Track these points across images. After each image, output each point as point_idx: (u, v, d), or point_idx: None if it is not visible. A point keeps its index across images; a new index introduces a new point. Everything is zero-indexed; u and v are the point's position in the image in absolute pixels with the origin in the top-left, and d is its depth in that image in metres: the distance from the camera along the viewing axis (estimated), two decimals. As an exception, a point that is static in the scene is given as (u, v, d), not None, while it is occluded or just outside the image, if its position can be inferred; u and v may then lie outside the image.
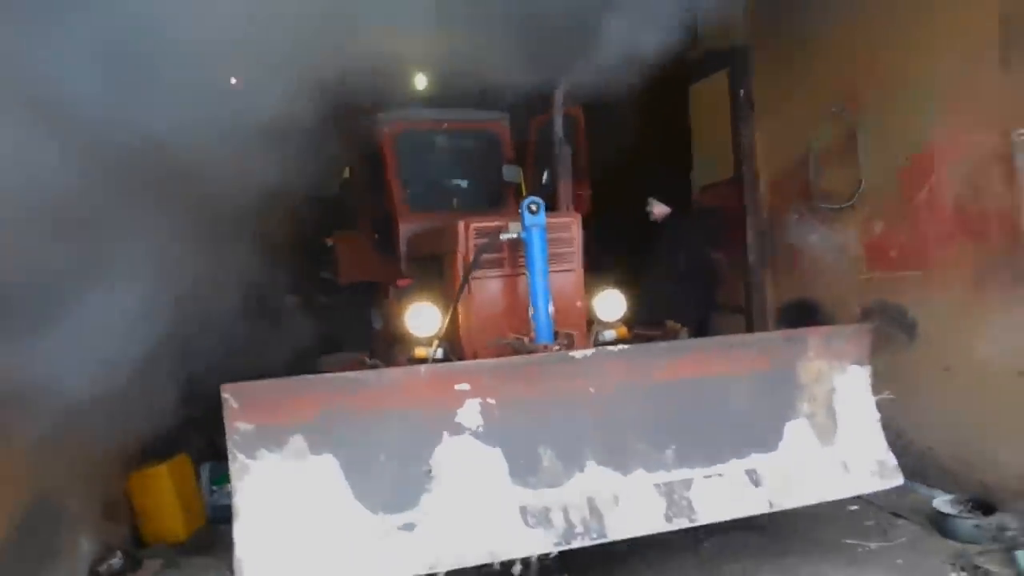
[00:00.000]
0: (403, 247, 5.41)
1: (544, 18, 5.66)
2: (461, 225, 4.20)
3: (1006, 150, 4.01)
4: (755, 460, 3.57)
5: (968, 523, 4.13)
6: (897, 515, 4.57)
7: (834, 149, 5.22)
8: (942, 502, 4.35)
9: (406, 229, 5.38)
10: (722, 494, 3.45)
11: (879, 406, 4.51)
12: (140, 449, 4.66)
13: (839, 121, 5.13)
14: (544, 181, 5.43)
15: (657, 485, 3.40)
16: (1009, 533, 3.99)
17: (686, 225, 6.39)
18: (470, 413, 3.24)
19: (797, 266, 5.73)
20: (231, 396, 2.98)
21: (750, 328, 6.11)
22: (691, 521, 3.37)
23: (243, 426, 3.00)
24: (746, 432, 3.59)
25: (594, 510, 3.29)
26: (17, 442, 3.14)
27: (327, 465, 3.07)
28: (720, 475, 3.50)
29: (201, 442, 5.22)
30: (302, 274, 6.56)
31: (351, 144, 5.96)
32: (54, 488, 3.57)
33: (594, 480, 3.34)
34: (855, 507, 4.78)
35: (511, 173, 5.57)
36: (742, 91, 6.00)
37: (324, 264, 6.40)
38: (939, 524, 4.26)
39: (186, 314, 4.70)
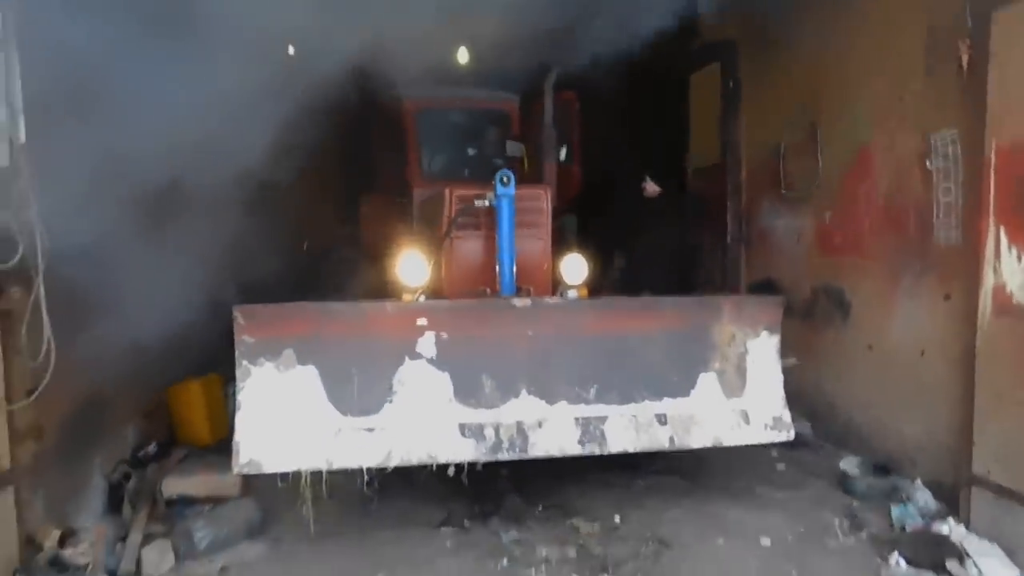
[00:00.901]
0: (415, 211, 6.19)
1: (555, 7, 6.34)
2: (447, 192, 4.96)
3: (925, 151, 4.53)
4: (666, 404, 4.25)
5: (863, 482, 4.75)
6: (813, 474, 5.20)
7: (799, 144, 5.75)
8: (848, 463, 4.95)
9: (419, 194, 6.15)
10: (631, 430, 4.16)
11: (805, 375, 5.14)
12: (182, 367, 5.62)
13: (804, 119, 5.66)
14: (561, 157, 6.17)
15: (577, 417, 4.12)
16: (898, 493, 4.61)
17: (674, 206, 7.00)
18: (427, 343, 4.02)
19: (766, 248, 6.31)
20: (240, 315, 3.83)
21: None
22: (600, 449, 4.10)
23: (248, 338, 3.86)
24: (661, 381, 4.26)
25: (520, 431, 4.05)
26: (80, 347, 4.03)
27: (310, 374, 3.90)
28: (633, 415, 4.19)
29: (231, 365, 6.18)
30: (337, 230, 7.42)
31: (380, 118, 6.77)
32: (106, 388, 4.49)
33: (524, 407, 4.09)
34: (782, 465, 5.43)
35: (514, 148, 6.29)
36: (731, 83, 6.54)
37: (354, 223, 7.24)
38: (842, 483, 4.88)
39: (235, 260, 5.69)
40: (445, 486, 4.57)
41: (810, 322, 5.72)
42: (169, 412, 5.42)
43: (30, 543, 3.21)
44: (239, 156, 5.51)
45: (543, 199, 5.05)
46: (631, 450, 4.16)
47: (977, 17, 3.97)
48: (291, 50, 7.21)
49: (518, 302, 4.19)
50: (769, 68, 6.15)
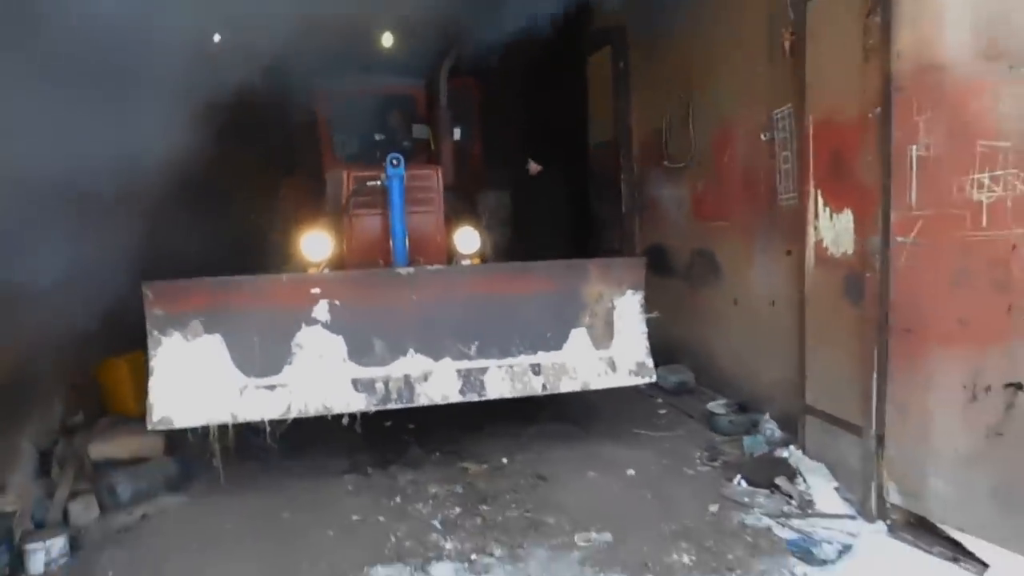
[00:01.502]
0: (328, 192, 6.63)
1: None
2: (344, 174, 5.43)
3: (769, 125, 5.10)
4: (540, 357, 4.78)
5: (725, 419, 5.36)
6: (689, 416, 5.81)
7: (678, 120, 6.30)
8: (715, 405, 5.57)
9: (331, 177, 6.59)
10: (508, 380, 4.69)
11: (689, 330, 5.69)
12: (111, 344, 6.01)
13: (680, 98, 6.21)
14: (457, 138, 6.63)
15: (459, 370, 4.64)
16: (754, 427, 5.23)
17: (578, 180, 7.55)
18: (321, 310, 4.50)
19: (656, 216, 6.88)
20: (149, 291, 4.28)
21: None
22: (479, 396, 4.63)
23: (157, 311, 4.30)
24: (536, 336, 4.80)
25: (408, 384, 4.56)
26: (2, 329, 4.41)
27: (215, 341, 4.35)
28: (511, 366, 4.74)
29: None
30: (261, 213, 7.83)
31: (295, 106, 7.16)
32: (32, 365, 4.88)
33: (412, 363, 4.60)
34: (664, 411, 6.04)
35: (420, 131, 6.75)
36: (620, 64, 7.06)
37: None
38: (709, 422, 5.49)
39: (163, 244, 6.09)
40: (352, 441, 5.10)
41: (690, 282, 6.32)
42: (98, 386, 5.82)
43: (-40, 496, 3.65)
44: (163, 144, 5.95)
45: (433, 178, 5.53)
46: (507, 395, 4.69)
47: (797, 6, 4.52)
48: (216, 38, 7.59)
49: (402, 270, 4.70)
50: (654, 51, 6.69)
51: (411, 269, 4.74)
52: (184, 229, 7.01)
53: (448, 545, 3.97)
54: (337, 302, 4.52)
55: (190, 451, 4.73)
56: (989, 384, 3.32)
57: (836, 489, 4.33)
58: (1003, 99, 3.19)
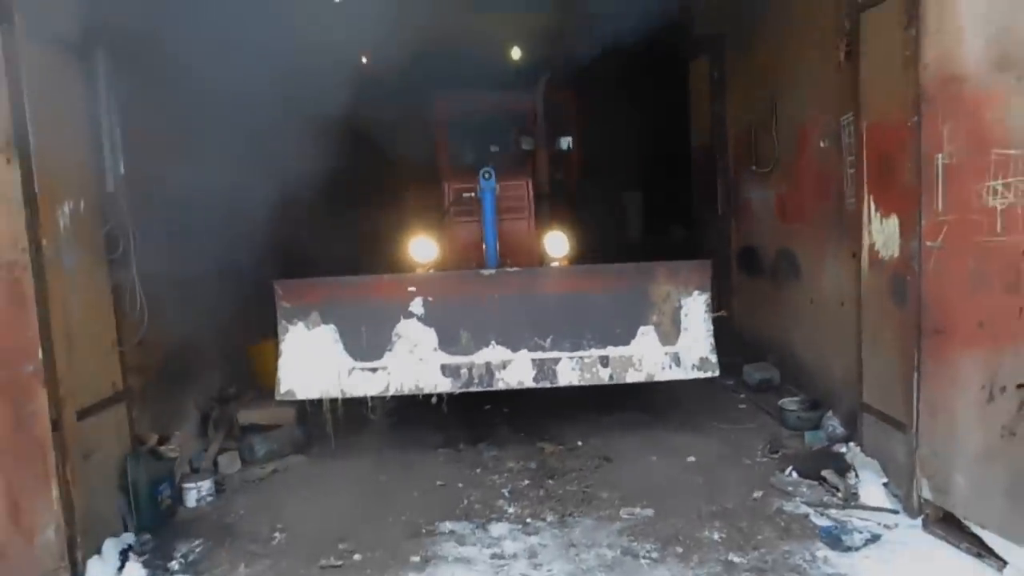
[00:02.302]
0: (445, 199, 7.43)
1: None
2: (445, 185, 6.17)
3: (838, 131, 5.25)
4: (609, 351, 5.25)
5: (794, 415, 5.56)
6: (766, 411, 6.02)
7: (765, 127, 6.49)
8: (788, 401, 5.76)
9: (447, 185, 7.37)
10: (578, 370, 5.22)
11: (774, 328, 5.93)
12: (261, 330, 7.15)
13: (767, 104, 6.40)
14: (564, 147, 7.30)
15: (534, 360, 5.23)
16: (827, 423, 5.38)
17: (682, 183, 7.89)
18: (417, 305, 5.26)
19: (746, 217, 7.08)
20: (279, 287, 5.23)
21: (724, 268, 7.59)
22: (551, 383, 5.19)
23: (285, 304, 5.25)
24: (606, 332, 5.27)
25: (489, 370, 5.21)
26: (170, 314, 5.53)
27: (330, 330, 5.24)
28: (581, 358, 5.26)
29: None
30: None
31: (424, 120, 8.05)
32: (195, 344, 6.01)
33: (493, 353, 5.24)
34: (743, 406, 6.29)
35: (527, 142, 7.39)
36: (716, 71, 7.30)
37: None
38: (780, 417, 5.70)
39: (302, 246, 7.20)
40: (450, 421, 5.84)
41: (775, 282, 6.50)
42: (250, 364, 6.96)
43: (139, 442, 4.72)
44: (309, 159, 7.05)
45: (524, 189, 6.16)
46: (576, 384, 5.22)
47: (852, 16, 4.69)
48: (363, 60, 8.71)
49: (485, 272, 5.37)
50: (745, 58, 6.90)
51: (493, 271, 5.39)
52: (326, 232, 8.11)
53: (511, 510, 4.58)
54: (430, 298, 5.26)
55: (313, 421, 5.67)
56: (1004, 385, 3.44)
57: (885, 485, 4.48)
58: (1013, 109, 3.32)
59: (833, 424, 5.20)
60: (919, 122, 3.89)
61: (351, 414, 5.50)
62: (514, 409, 6.33)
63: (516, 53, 9.07)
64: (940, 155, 3.74)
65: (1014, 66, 3.30)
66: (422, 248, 6.22)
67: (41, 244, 3.67)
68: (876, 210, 4.53)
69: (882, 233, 4.48)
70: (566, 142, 7.77)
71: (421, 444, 5.73)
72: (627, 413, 6.09)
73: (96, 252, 4.35)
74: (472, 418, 6.11)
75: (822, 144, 5.32)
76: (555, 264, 6.20)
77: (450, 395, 5.23)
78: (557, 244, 6.20)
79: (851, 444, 4.95)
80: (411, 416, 5.98)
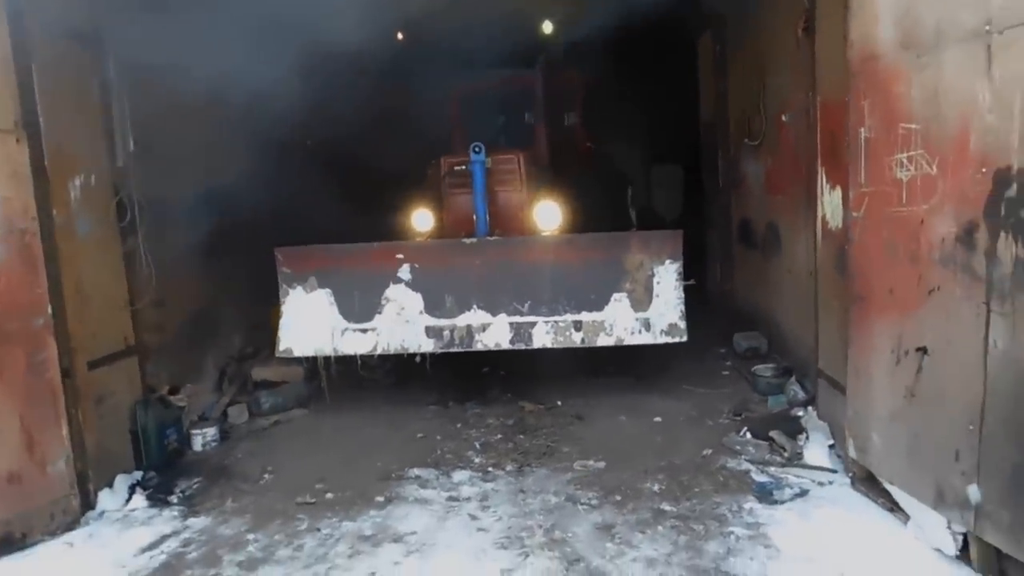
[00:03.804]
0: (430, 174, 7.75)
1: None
2: (442, 160, 6.54)
3: (807, 106, 5.36)
4: (582, 316, 5.56)
5: (764, 380, 5.76)
6: (745, 377, 6.21)
7: (757, 102, 6.59)
8: (762, 368, 5.96)
9: (443, 159, 7.63)
10: (552, 333, 5.54)
11: (762, 298, 6.13)
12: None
13: (758, 80, 6.50)
14: (566, 123, 7.59)
15: (511, 323, 5.59)
16: (790, 388, 5.58)
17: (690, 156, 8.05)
18: (405, 271, 5.68)
19: (743, 191, 7.21)
20: (280, 254, 5.74)
21: (726, 240, 7.75)
22: (527, 346, 5.53)
23: (286, 270, 5.75)
24: (582, 298, 5.57)
25: (469, 332, 5.60)
26: (188, 279, 6.13)
27: (326, 294, 5.72)
28: (556, 322, 5.58)
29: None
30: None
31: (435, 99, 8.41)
32: (216, 306, 6.61)
33: (474, 317, 5.62)
34: (726, 372, 6.51)
35: (531, 118, 7.68)
36: (719, 48, 7.40)
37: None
38: (752, 381, 5.90)
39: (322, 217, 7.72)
40: (446, 381, 6.29)
41: (764, 253, 6.64)
42: (270, 327, 7.55)
43: (150, 391, 5.33)
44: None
45: (515, 162, 6.46)
46: (550, 346, 5.55)
47: (811, -6, 4.80)
48: (399, 36, 9.14)
49: (467, 240, 5.74)
50: (742, 36, 6.98)
51: (475, 239, 5.76)
52: (352, 205, 8.57)
53: (477, 460, 5.00)
54: (417, 265, 5.67)
55: (317, 378, 6.19)
56: (908, 349, 3.62)
57: (831, 447, 4.69)
58: (914, 85, 3.46)
59: (795, 389, 5.39)
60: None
61: (355, 373, 6.00)
62: (510, 372, 6.71)
63: (547, 27, 9.31)
64: (863, 129, 3.89)
65: (915, 44, 3.44)
66: (422, 219, 6.63)
67: (52, 213, 4.26)
68: (827, 183, 4.69)
69: (831, 205, 4.64)
70: (570, 118, 8.01)
71: (416, 402, 6.19)
72: (613, 378, 6.37)
73: (107, 220, 4.93)
74: (467, 380, 6.53)
75: (784, 119, 5.44)
76: (546, 234, 6.50)
77: (453, 357, 5.66)
78: (548, 215, 6.48)
79: (809, 408, 5.15)
80: (411, 375, 6.44)
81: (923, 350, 3.51)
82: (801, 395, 5.35)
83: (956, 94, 3.23)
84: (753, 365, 6.45)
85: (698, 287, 8.48)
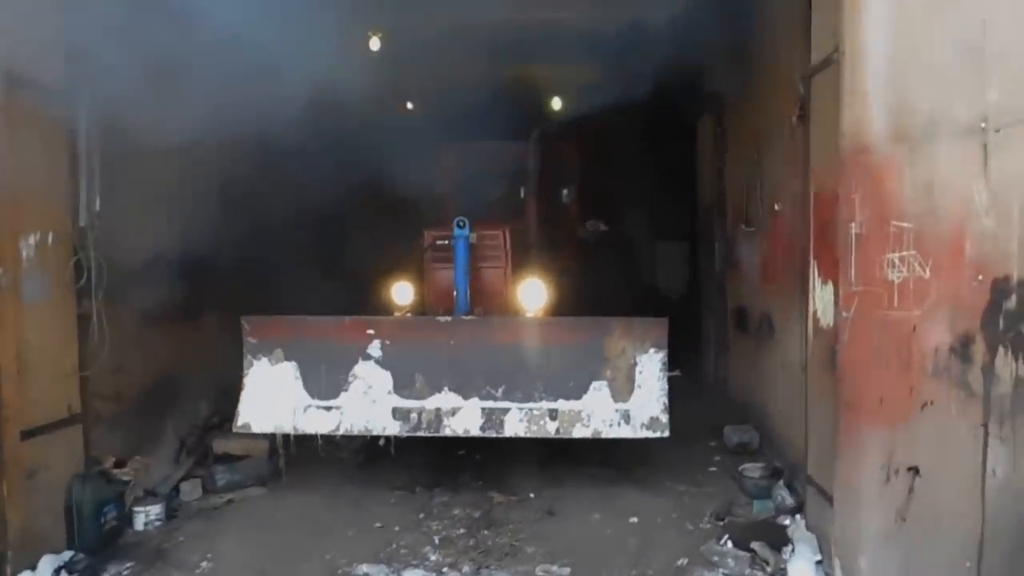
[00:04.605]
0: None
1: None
2: (425, 233, 6.33)
3: (802, 196, 5.14)
4: (559, 404, 5.23)
5: (751, 481, 5.36)
6: (732, 476, 5.81)
7: (753, 185, 6.41)
8: (751, 467, 5.56)
9: (426, 232, 7.39)
10: (525, 421, 5.21)
11: (755, 392, 5.81)
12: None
13: (755, 166, 6.33)
14: (564, 198, 7.42)
15: (483, 408, 5.26)
16: (778, 493, 5.18)
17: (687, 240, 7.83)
18: (375, 347, 5.40)
19: (739, 277, 6.95)
20: (246, 323, 5.49)
21: (722, 327, 7.45)
22: (498, 433, 5.20)
23: (252, 340, 5.49)
24: (559, 385, 5.26)
25: (438, 416, 5.27)
26: (148, 344, 5.87)
27: (291, 367, 5.44)
28: (531, 410, 5.25)
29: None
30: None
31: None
32: (178, 374, 6.32)
33: (444, 399, 5.30)
34: (713, 468, 6.11)
35: (521, 191, 7.53)
36: (719, 131, 7.27)
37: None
38: (739, 481, 5.51)
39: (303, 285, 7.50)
40: (417, 463, 5.93)
41: (758, 343, 6.33)
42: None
43: (96, 463, 5.01)
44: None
45: (500, 238, 6.25)
46: (523, 435, 5.21)
47: (805, 81, 4.64)
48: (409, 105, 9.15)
49: (441, 319, 5.48)
50: (741, 120, 6.85)
51: (449, 318, 5.49)
52: (325, 271, 8.32)
53: (433, 557, 4.61)
54: (388, 342, 5.40)
55: (279, 455, 5.84)
56: (898, 467, 3.29)
57: (819, 563, 4.28)
58: (906, 181, 3.24)
59: (783, 494, 5.00)
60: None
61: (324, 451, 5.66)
62: (486, 456, 6.34)
63: (557, 103, 9.28)
64: (853, 224, 3.64)
65: (908, 137, 3.23)
66: (402, 292, 6.39)
67: (-5, 274, 4.04)
68: (819, 276, 4.42)
69: (822, 300, 4.35)
70: (566, 192, 7.86)
71: (379, 483, 5.80)
72: (593, 468, 5.98)
73: (63, 281, 4.70)
74: (441, 461, 6.16)
75: (776, 207, 5.23)
76: (529, 314, 6.25)
77: (427, 439, 5.33)
78: (532, 293, 6.24)
79: (798, 517, 4.75)
80: (381, 454, 6.07)
81: (915, 470, 3.18)
82: (789, 501, 4.95)
83: (951, 193, 3.02)
84: (742, 462, 6.05)
85: (694, 371, 8.19)
